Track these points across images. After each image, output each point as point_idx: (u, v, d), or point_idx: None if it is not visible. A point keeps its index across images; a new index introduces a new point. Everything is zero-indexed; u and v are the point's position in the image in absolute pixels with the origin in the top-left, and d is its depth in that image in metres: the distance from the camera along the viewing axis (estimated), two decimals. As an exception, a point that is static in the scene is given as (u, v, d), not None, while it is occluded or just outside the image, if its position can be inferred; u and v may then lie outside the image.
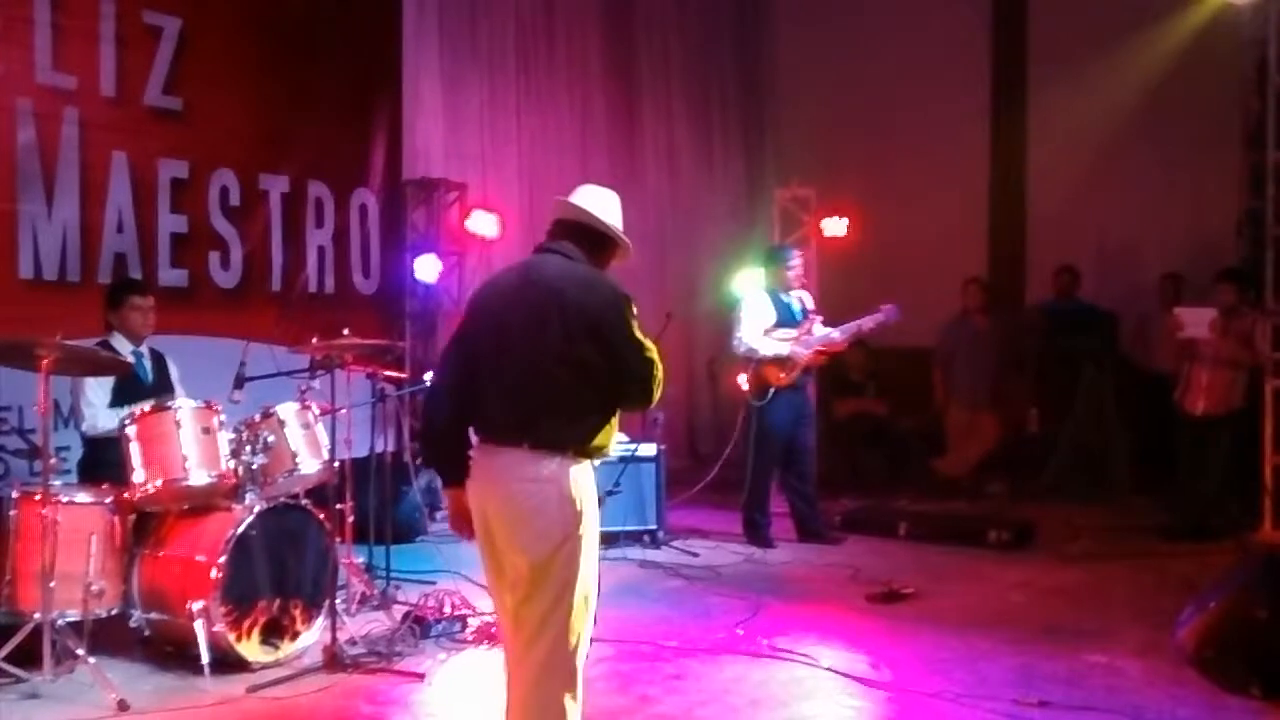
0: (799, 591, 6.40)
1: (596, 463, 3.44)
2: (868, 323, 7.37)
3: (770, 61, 12.27)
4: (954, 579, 6.73)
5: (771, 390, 7.40)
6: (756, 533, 7.62)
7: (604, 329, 3.37)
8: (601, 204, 3.64)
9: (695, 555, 7.27)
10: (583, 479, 3.37)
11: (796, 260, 7.59)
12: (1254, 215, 8.35)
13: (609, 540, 7.54)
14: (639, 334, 3.42)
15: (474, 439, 3.47)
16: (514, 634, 3.46)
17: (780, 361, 7.31)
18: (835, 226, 9.38)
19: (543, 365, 3.34)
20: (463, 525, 3.56)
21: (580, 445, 3.36)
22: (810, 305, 7.68)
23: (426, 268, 8.43)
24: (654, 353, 3.44)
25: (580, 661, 3.40)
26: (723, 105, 11.83)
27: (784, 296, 7.51)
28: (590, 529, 3.39)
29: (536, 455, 3.31)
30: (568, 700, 3.36)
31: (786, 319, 7.45)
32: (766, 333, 7.39)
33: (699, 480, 8.31)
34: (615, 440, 3.54)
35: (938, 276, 10.13)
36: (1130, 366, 9.57)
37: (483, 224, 8.82)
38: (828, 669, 5.00)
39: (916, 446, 10.09)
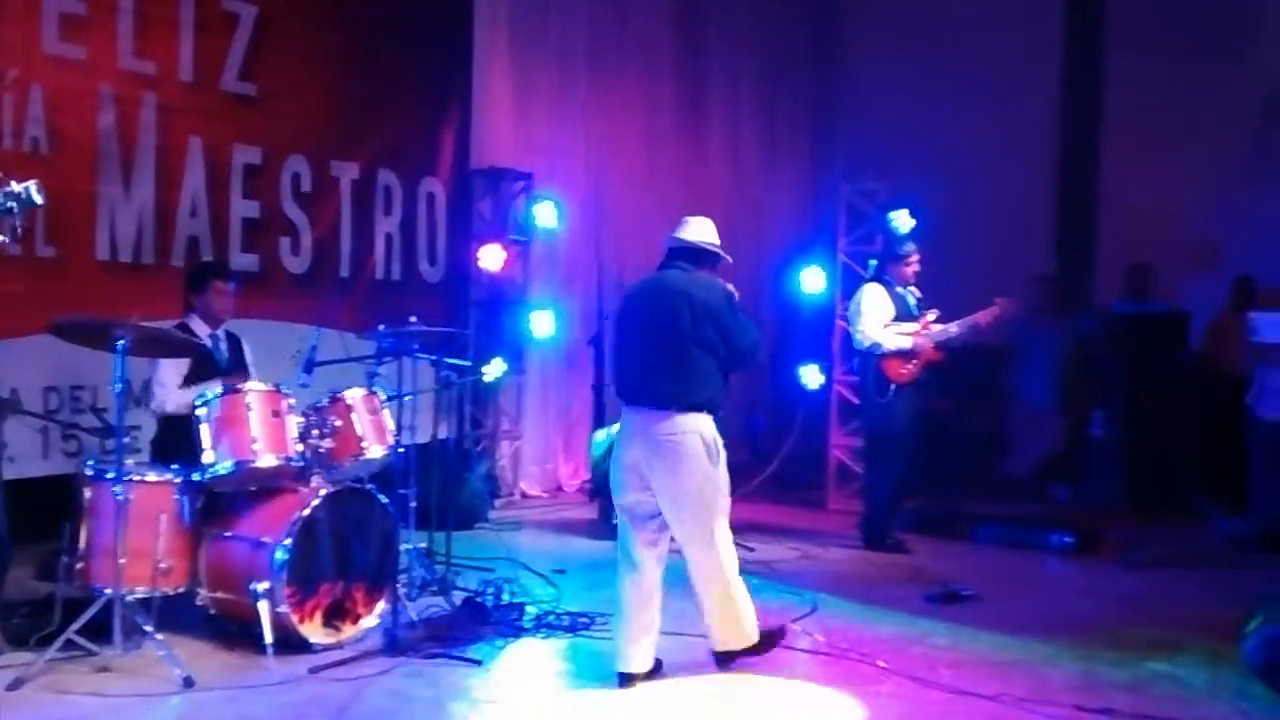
0: (856, 590, 6.36)
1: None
2: (984, 317, 7.23)
3: (840, 57, 12.18)
4: (1015, 582, 6.66)
5: (893, 387, 7.27)
6: (881, 536, 7.36)
7: (720, 315, 4.68)
8: (700, 230, 4.93)
9: (751, 550, 7.24)
10: (712, 427, 4.67)
11: (915, 255, 7.47)
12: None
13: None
14: (743, 317, 4.73)
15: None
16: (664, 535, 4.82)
17: (904, 355, 7.18)
18: (903, 221, 9.28)
19: (681, 345, 4.62)
20: None
21: (711, 402, 4.67)
22: (925, 305, 7.53)
23: (491, 257, 8.48)
24: (755, 330, 4.77)
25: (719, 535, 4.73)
26: (791, 100, 11.78)
27: (900, 290, 7.41)
28: (722, 461, 4.71)
29: (682, 413, 4.59)
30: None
31: (904, 313, 7.34)
32: (885, 327, 7.29)
33: (756, 475, 8.30)
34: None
35: (1005, 274, 9.99)
36: (1203, 369, 9.37)
37: (548, 214, 8.85)
38: (884, 667, 4.97)
39: (980, 446, 9.97)
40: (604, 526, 7.73)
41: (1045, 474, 9.58)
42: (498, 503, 8.62)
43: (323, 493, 5.08)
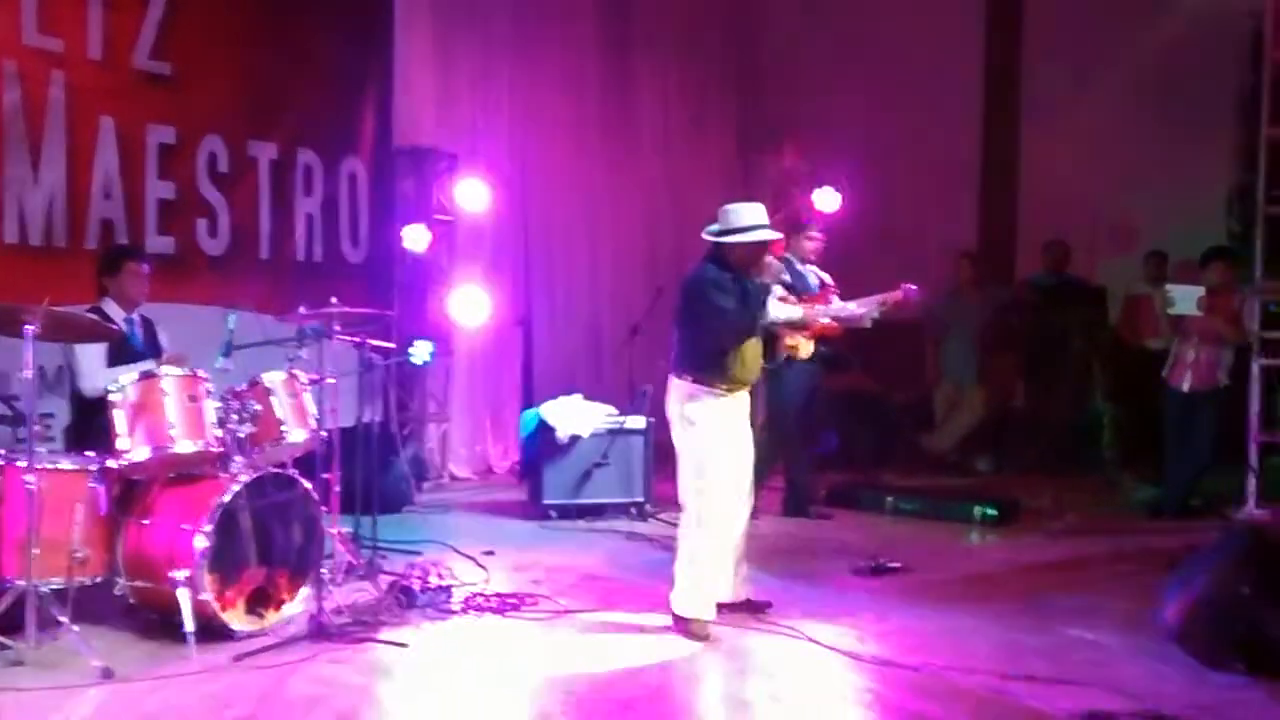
0: (785, 564, 6.39)
1: (722, 388, 5.16)
2: (889, 298, 7.28)
3: (764, 37, 12.18)
4: (940, 554, 6.77)
5: (784, 356, 7.34)
6: (797, 504, 7.66)
7: (694, 298, 5.17)
8: (722, 219, 5.26)
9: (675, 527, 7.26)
10: (689, 392, 5.17)
11: (814, 233, 7.52)
12: (1245, 191, 8.34)
13: (596, 512, 7.62)
14: (718, 302, 5.08)
15: None
16: None
17: (793, 327, 7.20)
18: (827, 200, 9.36)
19: (677, 323, 5.28)
20: None
21: (697, 373, 5.16)
22: (829, 283, 7.60)
23: (415, 237, 8.39)
24: (731, 314, 5.09)
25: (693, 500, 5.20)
26: (718, 79, 11.76)
27: (800, 267, 7.47)
28: (702, 431, 5.15)
29: (679, 382, 5.20)
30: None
31: (803, 289, 7.39)
32: (779, 300, 7.31)
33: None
34: (743, 366, 5.21)
35: (929, 251, 10.13)
36: (1119, 342, 9.58)
37: (473, 194, 8.77)
38: (812, 641, 5.02)
39: (905, 422, 10.11)
40: (533, 507, 7.72)
41: (968, 447, 9.73)
42: (426, 486, 8.56)
43: (243, 478, 5.00)
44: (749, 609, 5.40)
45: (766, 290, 5.27)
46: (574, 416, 7.61)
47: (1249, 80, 8.38)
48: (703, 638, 5.05)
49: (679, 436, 5.23)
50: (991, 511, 7.60)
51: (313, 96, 7.88)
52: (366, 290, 8.09)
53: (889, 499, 8.01)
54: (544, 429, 7.67)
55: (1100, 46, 10.17)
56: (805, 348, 7.34)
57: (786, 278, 5.41)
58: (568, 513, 7.55)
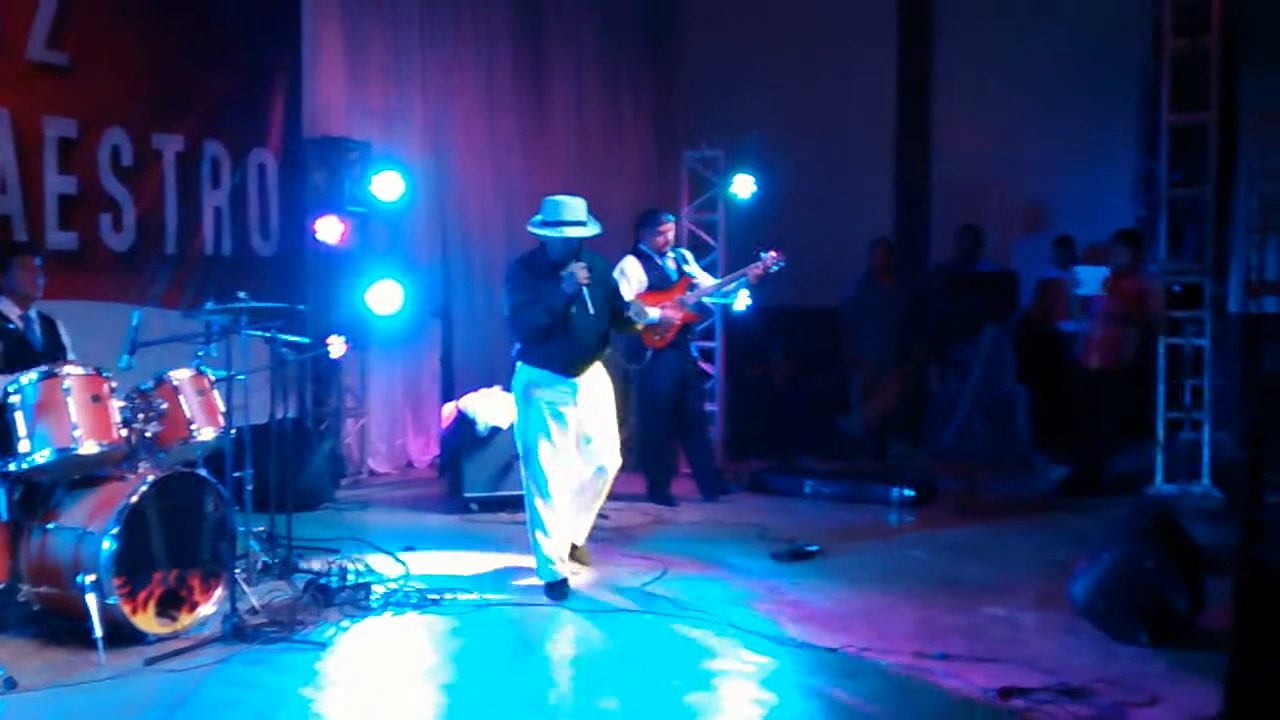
0: (706, 551, 6.44)
1: (548, 371, 5.58)
2: (750, 271, 7.39)
3: (683, 24, 12.19)
4: (858, 536, 6.85)
5: (650, 353, 7.47)
6: (658, 491, 7.77)
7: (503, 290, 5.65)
8: (544, 211, 5.60)
9: (605, 518, 7.26)
10: (519, 377, 5.67)
11: (666, 224, 7.60)
12: (1151, 176, 8.55)
13: (517, 504, 7.55)
14: (508, 298, 5.57)
15: None
16: None
17: (653, 325, 7.29)
18: (743, 188, 9.41)
19: None
20: None
21: (524, 355, 5.65)
22: (690, 265, 7.68)
23: (328, 229, 8.25)
24: (518, 312, 5.53)
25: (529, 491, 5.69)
26: (633, 68, 11.73)
27: (658, 260, 7.53)
28: (527, 408, 5.66)
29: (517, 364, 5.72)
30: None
31: (660, 281, 7.47)
32: (640, 298, 7.38)
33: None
34: (570, 351, 5.57)
35: (845, 238, 10.23)
36: (1030, 325, 9.78)
37: (386, 185, 8.64)
38: (733, 626, 5.05)
39: (823, 407, 10.21)
40: (454, 501, 7.66)
41: (885, 430, 9.86)
42: (345, 482, 8.43)
43: (150, 478, 4.87)
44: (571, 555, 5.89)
45: (571, 286, 5.41)
46: (494, 408, 7.56)
47: (1152, 67, 8.57)
48: (560, 597, 5.48)
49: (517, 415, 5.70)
50: (909, 493, 7.71)
51: (219, 87, 7.69)
52: (278, 284, 7.92)
53: (808, 483, 8.09)
54: (464, 422, 7.61)
55: (1011, 32, 10.34)
56: (666, 337, 7.43)
57: (584, 281, 5.41)
58: (489, 505, 7.50)
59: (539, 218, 5.54)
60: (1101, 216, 9.36)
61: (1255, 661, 4.30)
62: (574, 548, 5.95)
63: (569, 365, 5.60)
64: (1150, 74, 8.58)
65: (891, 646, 4.77)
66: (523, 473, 5.73)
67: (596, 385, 5.77)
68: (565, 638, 5.01)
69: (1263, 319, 9.20)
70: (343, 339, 7.32)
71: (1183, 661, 4.61)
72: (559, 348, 5.55)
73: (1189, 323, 8.00)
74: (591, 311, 5.57)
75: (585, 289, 5.48)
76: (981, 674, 4.44)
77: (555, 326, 5.49)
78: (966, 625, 5.12)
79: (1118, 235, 8.09)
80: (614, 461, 5.89)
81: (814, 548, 6.36)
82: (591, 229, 5.56)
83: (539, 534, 5.62)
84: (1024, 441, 9.47)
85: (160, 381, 5.25)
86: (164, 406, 5.16)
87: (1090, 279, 7.96)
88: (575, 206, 5.52)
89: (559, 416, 5.60)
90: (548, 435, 5.58)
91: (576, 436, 5.69)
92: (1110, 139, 9.92)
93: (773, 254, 7.27)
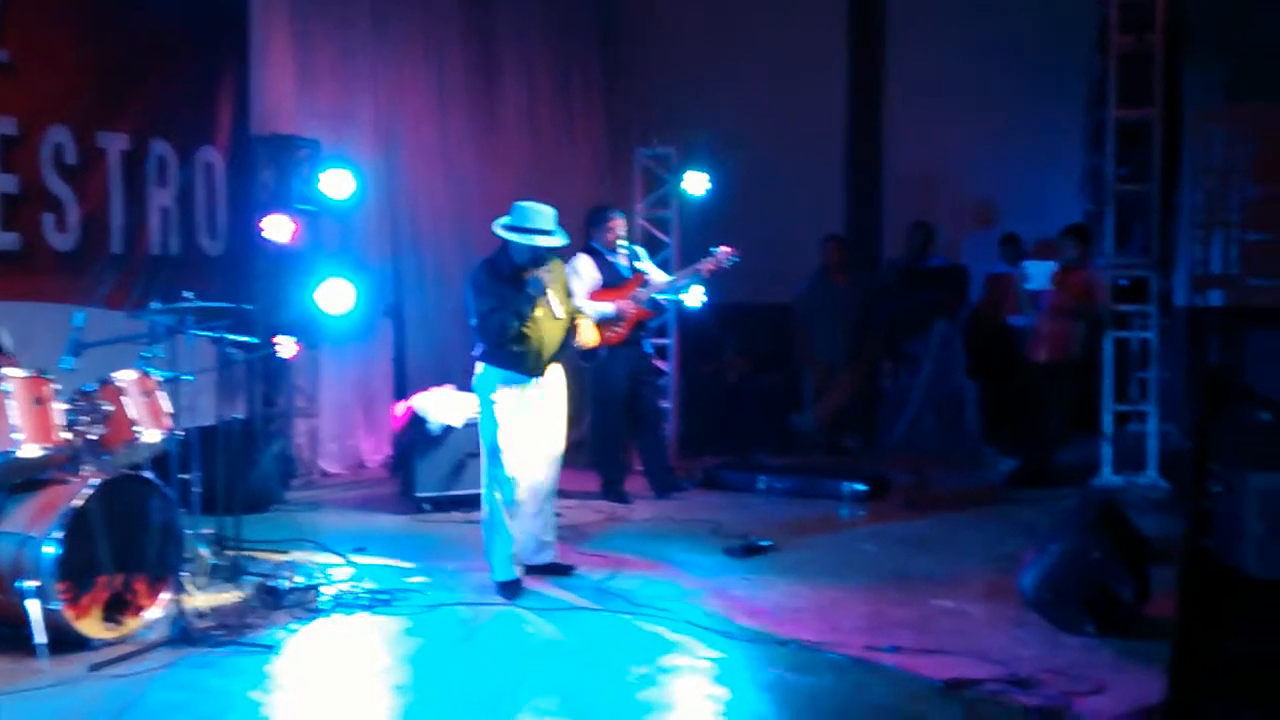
0: (659, 548, 6.45)
1: (509, 371, 5.59)
2: (702, 266, 7.41)
3: (634, 21, 12.17)
4: (810, 531, 6.89)
5: (604, 350, 7.44)
6: (612, 489, 7.77)
7: (467, 293, 5.69)
8: (514, 215, 5.54)
9: (559, 515, 7.24)
10: (479, 374, 5.67)
11: (615, 221, 7.62)
12: (1096, 172, 8.65)
13: (470, 503, 7.53)
14: (472, 304, 5.61)
15: None
16: None
17: (607, 322, 7.29)
18: (696, 185, 9.43)
19: None
20: None
21: (485, 357, 5.63)
22: (643, 261, 7.69)
23: (277, 228, 8.16)
24: (482, 316, 5.54)
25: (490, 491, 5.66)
26: (583, 64, 11.70)
27: (610, 257, 7.54)
28: (486, 409, 5.64)
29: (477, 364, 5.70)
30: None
31: (613, 278, 7.48)
32: (593, 295, 7.40)
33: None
34: (529, 353, 5.56)
35: (797, 235, 10.27)
36: (980, 320, 9.87)
37: (336, 183, 8.57)
38: (689, 623, 5.06)
39: (776, 403, 10.25)
40: (406, 501, 7.61)
41: (837, 426, 9.92)
42: (295, 483, 8.34)
43: (94, 481, 4.80)
44: (555, 571, 5.87)
45: (538, 290, 5.48)
46: (446, 407, 7.53)
47: (1097, 64, 8.67)
48: (513, 596, 5.49)
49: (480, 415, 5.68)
50: (860, 487, 7.76)
51: (165, 85, 7.57)
52: (227, 284, 7.84)
53: (761, 478, 8.12)
54: (416, 421, 7.57)
55: (961, 31, 10.42)
56: (620, 334, 7.40)
57: (541, 288, 5.49)
58: (441, 505, 7.46)
59: (508, 221, 5.51)
60: (1050, 212, 9.46)
61: (1199, 649, 4.38)
62: (555, 565, 5.95)
63: (535, 366, 5.62)
64: (1096, 71, 8.68)
65: (843, 640, 4.80)
66: (484, 472, 5.68)
67: (555, 381, 5.79)
68: (519, 636, 4.99)
69: (1208, 312, 9.37)
70: (294, 340, 7.27)
71: (1128, 650, 4.67)
72: (525, 349, 5.57)
73: (1136, 316, 8.12)
74: (556, 315, 5.65)
75: (548, 291, 5.53)
76: (932, 666, 4.48)
77: (522, 330, 5.51)
78: (917, 618, 5.16)
79: (1066, 230, 8.20)
80: (561, 449, 5.89)
81: (766, 543, 6.38)
82: (560, 239, 5.57)
83: (496, 533, 5.62)
84: (974, 435, 9.56)
85: (104, 383, 5.16)
86: (108, 408, 5.08)
87: (1038, 274, 8.06)
88: (546, 215, 5.52)
89: (524, 415, 5.61)
90: (513, 436, 5.57)
91: (537, 433, 5.68)
92: (1058, 136, 10.01)
93: (725, 249, 7.29)
